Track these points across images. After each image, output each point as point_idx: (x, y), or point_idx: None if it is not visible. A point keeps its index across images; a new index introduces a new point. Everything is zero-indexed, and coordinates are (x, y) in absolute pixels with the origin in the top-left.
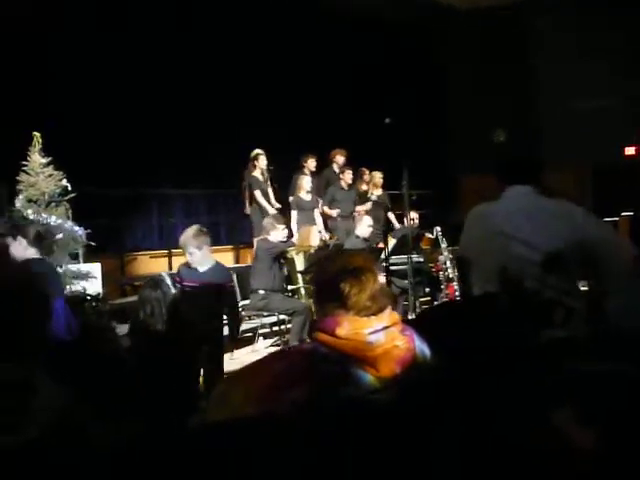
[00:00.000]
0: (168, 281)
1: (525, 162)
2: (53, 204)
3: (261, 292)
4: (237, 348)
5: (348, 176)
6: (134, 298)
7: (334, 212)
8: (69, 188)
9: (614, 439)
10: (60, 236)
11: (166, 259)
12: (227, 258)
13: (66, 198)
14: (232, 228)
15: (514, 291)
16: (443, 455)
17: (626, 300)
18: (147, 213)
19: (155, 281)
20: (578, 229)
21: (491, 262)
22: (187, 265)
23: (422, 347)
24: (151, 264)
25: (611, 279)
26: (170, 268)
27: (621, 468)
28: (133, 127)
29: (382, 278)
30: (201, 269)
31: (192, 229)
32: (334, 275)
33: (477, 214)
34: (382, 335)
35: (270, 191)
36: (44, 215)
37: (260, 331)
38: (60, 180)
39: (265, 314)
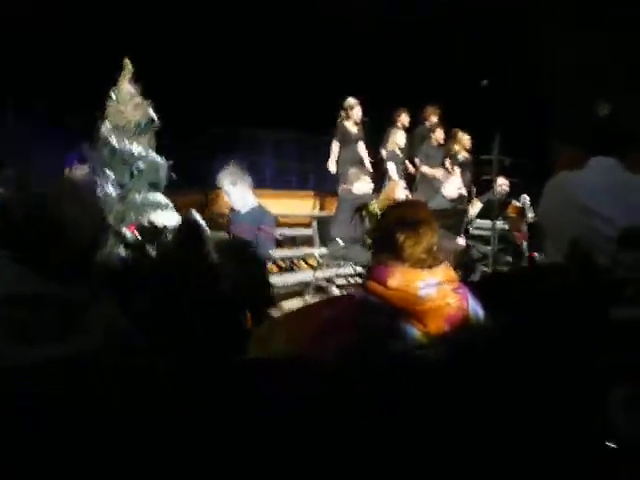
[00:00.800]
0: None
1: (612, 133)
2: (138, 133)
3: (340, 242)
4: (311, 295)
5: (440, 134)
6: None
7: (438, 172)
8: (155, 119)
9: None
10: (141, 165)
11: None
12: (311, 205)
13: (152, 128)
14: (321, 175)
15: (586, 265)
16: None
17: None
18: (236, 152)
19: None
20: None
21: (566, 233)
22: (232, 208)
23: (476, 308)
24: None
25: None
26: None
27: None
28: (227, 65)
29: (463, 241)
30: (243, 211)
31: (228, 167)
32: (391, 225)
33: (557, 183)
34: (434, 290)
35: (361, 143)
36: (126, 142)
37: (336, 281)
38: (147, 110)
39: (342, 264)
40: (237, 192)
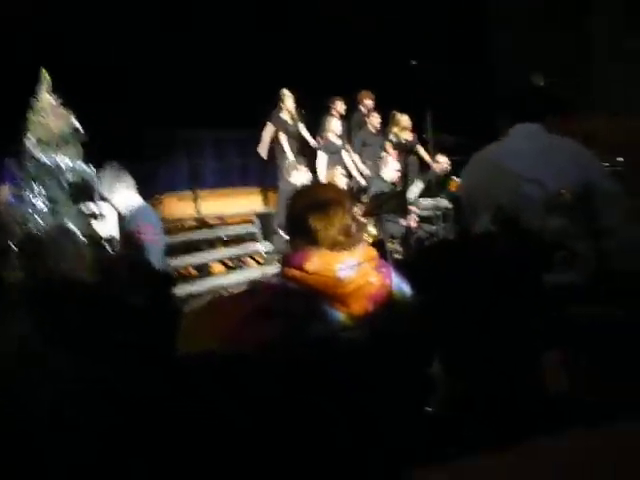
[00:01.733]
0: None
1: (531, 98)
2: (63, 144)
3: (283, 234)
4: None
5: (375, 120)
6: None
7: (364, 168)
8: (80, 129)
9: (597, 382)
10: (70, 177)
11: (193, 201)
12: (256, 201)
13: (79, 139)
14: (263, 171)
15: (519, 231)
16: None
17: (626, 244)
18: (176, 155)
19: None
20: (586, 170)
21: (498, 202)
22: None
23: (400, 285)
24: (178, 206)
25: (610, 224)
26: (197, 210)
27: (602, 410)
28: (161, 65)
29: (409, 222)
30: (128, 215)
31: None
32: (302, 209)
33: (485, 154)
34: (354, 271)
35: (304, 131)
36: (52, 154)
37: None
38: (70, 120)
39: None
40: (117, 197)
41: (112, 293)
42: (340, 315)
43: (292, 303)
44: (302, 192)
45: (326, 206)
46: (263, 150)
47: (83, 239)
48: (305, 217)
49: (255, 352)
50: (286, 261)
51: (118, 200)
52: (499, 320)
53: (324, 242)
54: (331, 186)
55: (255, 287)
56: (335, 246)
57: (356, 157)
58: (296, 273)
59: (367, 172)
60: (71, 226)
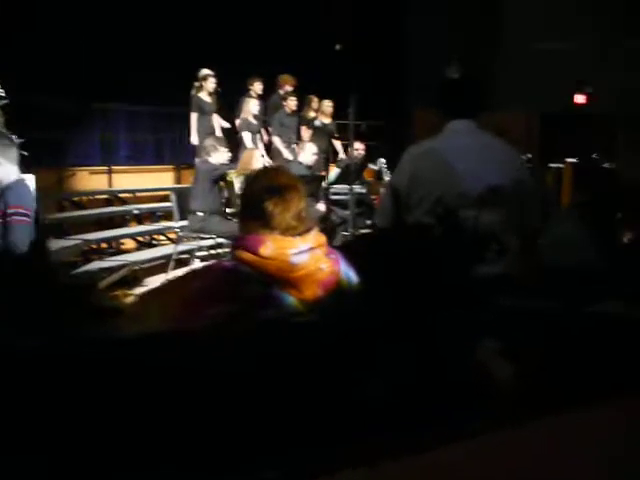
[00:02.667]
0: None
1: (468, 96)
2: None
3: (200, 214)
4: (174, 270)
5: (292, 103)
6: (72, 214)
7: (285, 151)
8: (2, 94)
9: (532, 373)
10: None
11: (106, 175)
12: (169, 178)
13: (1, 103)
14: (176, 148)
15: (453, 224)
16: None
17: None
18: (89, 127)
19: None
20: (519, 169)
21: (437, 195)
22: None
23: (348, 272)
24: (91, 180)
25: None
26: (110, 185)
27: (536, 399)
28: (78, 34)
29: (323, 207)
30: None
31: None
32: (258, 193)
33: (426, 149)
34: (306, 256)
35: (215, 115)
36: None
37: (197, 253)
38: None
39: (203, 236)
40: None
41: None
42: (292, 299)
43: (245, 286)
44: (258, 176)
45: (283, 190)
46: (194, 136)
47: None
48: (261, 200)
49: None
50: (239, 244)
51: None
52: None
53: (278, 227)
54: (286, 171)
55: (206, 269)
56: (288, 231)
57: (276, 139)
58: (250, 257)
59: (287, 155)
60: None
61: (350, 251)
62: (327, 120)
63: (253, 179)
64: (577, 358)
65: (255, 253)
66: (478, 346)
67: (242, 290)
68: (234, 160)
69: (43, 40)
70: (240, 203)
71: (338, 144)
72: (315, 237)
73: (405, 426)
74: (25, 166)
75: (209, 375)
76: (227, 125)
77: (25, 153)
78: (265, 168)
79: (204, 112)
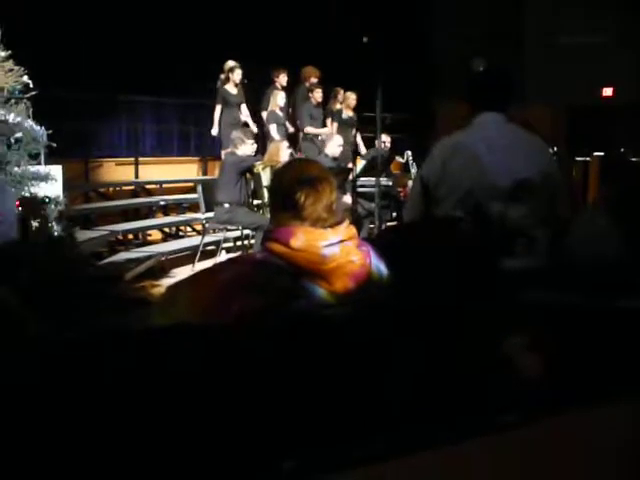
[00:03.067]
0: None
1: (498, 89)
2: (12, 101)
3: (226, 205)
4: (200, 261)
5: (318, 94)
6: (98, 204)
7: (324, 130)
8: (31, 85)
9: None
10: (19, 135)
11: (133, 167)
12: (195, 169)
13: (27, 95)
14: (202, 140)
15: (482, 217)
16: (394, 377)
17: (582, 233)
18: (115, 119)
19: None
20: (548, 162)
21: (467, 188)
22: None
23: (378, 265)
24: (117, 171)
25: (565, 214)
26: (136, 176)
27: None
28: (104, 29)
29: (349, 199)
30: None
31: None
32: (289, 184)
33: (456, 142)
34: (337, 249)
35: (244, 106)
36: (2, 112)
37: (223, 245)
38: (21, 76)
39: (229, 228)
40: None
41: None
42: (322, 292)
43: (276, 277)
44: (289, 167)
45: (315, 182)
46: (215, 128)
47: None
48: (292, 191)
49: (233, 324)
50: (270, 236)
51: None
52: (462, 301)
53: (309, 218)
54: (316, 163)
55: (237, 261)
56: (319, 222)
57: (310, 129)
58: (280, 249)
59: (308, 145)
60: None
61: (380, 243)
62: (350, 113)
63: (284, 170)
64: (607, 354)
65: (286, 245)
66: (506, 340)
67: (273, 282)
68: (260, 152)
69: (70, 33)
70: (271, 194)
71: (359, 137)
72: (346, 229)
73: (430, 420)
74: (54, 157)
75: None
76: (254, 129)
77: (53, 145)
78: (296, 159)
79: (230, 104)
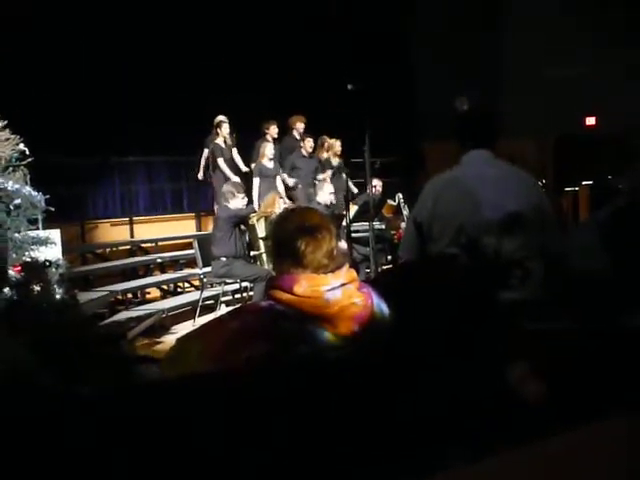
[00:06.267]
0: None
1: (484, 126)
2: (10, 169)
3: (223, 259)
4: (200, 316)
5: (308, 144)
6: (95, 266)
7: (291, 181)
8: (27, 152)
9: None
10: (18, 201)
11: (127, 227)
12: (189, 226)
13: (24, 163)
14: (194, 195)
15: (477, 252)
16: (402, 411)
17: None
18: (108, 181)
19: None
20: (538, 195)
21: (456, 225)
22: None
23: (380, 305)
24: (113, 232)
25: (556, 246)
26: (132, 236)
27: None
28: (94, 93)
29: (344, 245)
30: None
31: None
32: (290, 233)
33: (446, 178)
34: (339, 292)
35: (237, 157)
36: (0, 180)
37: (222, 299)
38: (17, 144)
39: (227, 281)
40: None
41: None
42: (327, 334)
43: (281, 323)
44: (288, 216)
45: (315, 230)
46: (201, 172)
47: None
48: (294, 240)
49: (242, 372)
50: (273, 284)
51: None
52: (465, 335)
53: (310, 265)
54: (315, 210)
55: (243, 310)
56: (320, 268)
57: (289, 180)
58: (284, 295)
59: (292, 183)
60: None
61: (378, 285)
62: (338, 160)
63: (284, 219)
64: (611, 373)
65: (290, 292)
66: (507, 370)
67: (279, 328)
68: (250, 203)
69: (61, 100)
70: (272, 243)
71: (350, 183)
72: (346, 273)
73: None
74: (51, 221)
75: None
76: (245, 169)
77: (52, 209)
78: (296, 208)
79: (222, 158)
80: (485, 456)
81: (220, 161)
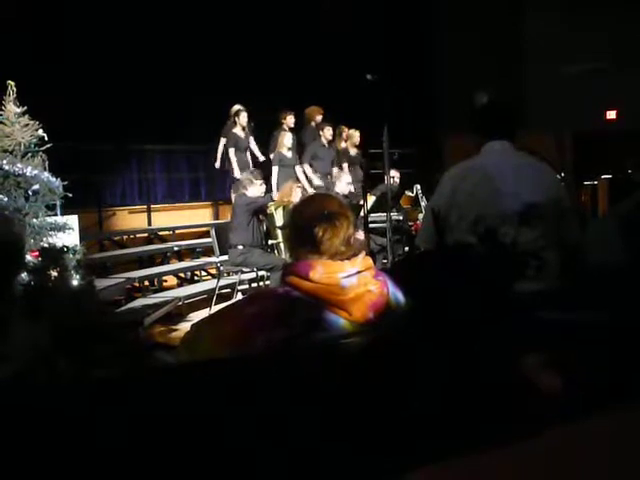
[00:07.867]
0: None
1: (504, 117)
2: (29, 155)
3: (240, 247)
4: (216, 304)
5: (328, 133)
6: (113, 253)
7: (316, 179)
8: (46, 138)
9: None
10: (36, 187)
11: (145, 214)
12: (206, 214)
13: (42, 149)
14: (212, 184)
15: (494, 242)
16: (417, 399)
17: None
18: (127, 168)
19: None
20: (556, 187)
21: (473, 214)
22: None
23: (395, 293)
24: (130, 219)
25: (574, 237)
26: (149, 224)
27: (583, 409)
28: (114, 81)
29: (361, 235)
30: None
31: None
32: (308, 219)
33: (465, 167)
34: (355, 279)
35: (254, 146)
36: (19, 165)
37: (239, 287)
38: (36, 130)
39: (244, 270)
40: None
41: None
42: (342, 321)
43: (297, 310)
44: (307, 203)
45: (333, 217)
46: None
47: None
48: (311, 227)
49: (258, 356)
50: (289, 270)
51: None
52: (481, 324)
53: (327, 252)
54: (334, 197)
55: (258, 295)
56: (337, 255)
57: (308, 169)
58: (300, 282)
59: (318, 183)
60: None
61: (395, 274)
62: (355, 151)
63: (303, 205)
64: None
65: (305, 278)
66: (521, 361)
67: (295, 314)
68: (268, 191)
69: (82, 86)
70: (290, 229)
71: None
72: (363, 261)
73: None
74: (69, 208)
75: None
76: (262, 158)
77: (69, 195)
78: (315, 195)
79: (239, 148)
80: (484, 449)
81: (231, 152)
